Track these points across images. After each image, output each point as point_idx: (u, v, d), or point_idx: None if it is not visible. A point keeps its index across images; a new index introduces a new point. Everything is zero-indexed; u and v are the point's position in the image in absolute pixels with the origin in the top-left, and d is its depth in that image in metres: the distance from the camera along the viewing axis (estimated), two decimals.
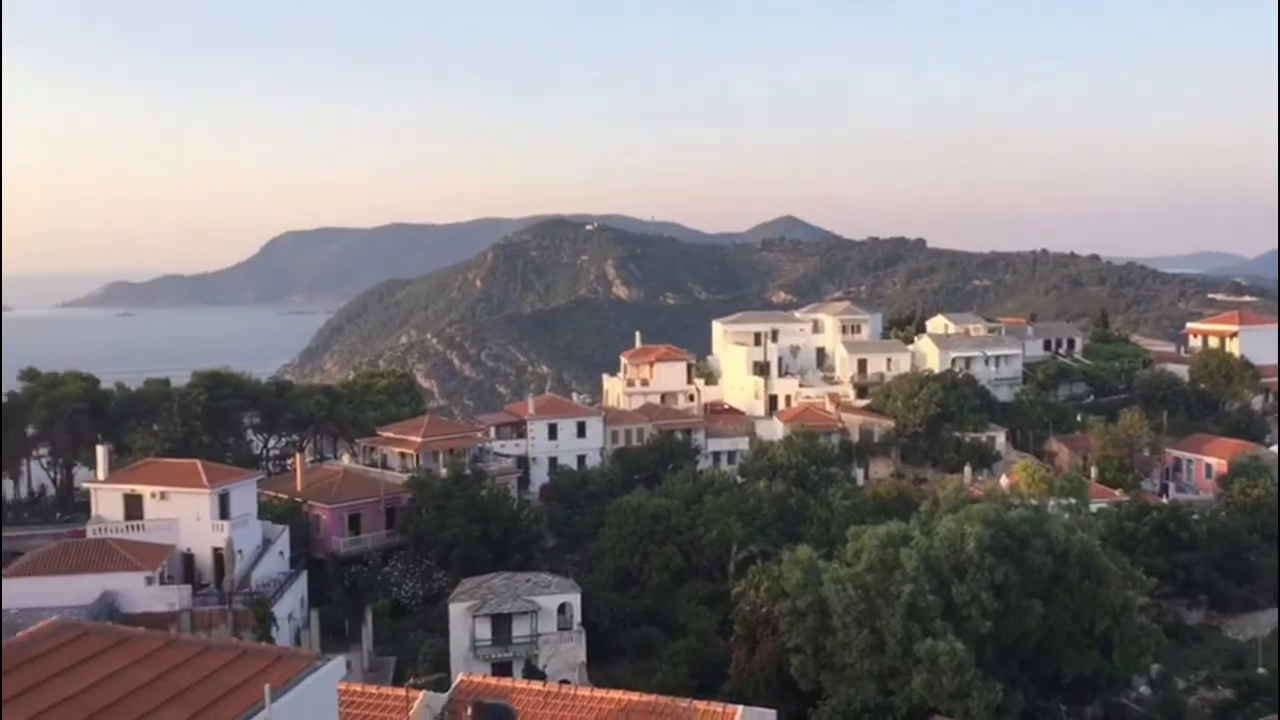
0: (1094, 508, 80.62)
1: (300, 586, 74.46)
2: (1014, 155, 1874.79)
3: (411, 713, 21.81)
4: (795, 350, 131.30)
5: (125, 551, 65.42)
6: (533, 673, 61.81)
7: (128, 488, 71.94)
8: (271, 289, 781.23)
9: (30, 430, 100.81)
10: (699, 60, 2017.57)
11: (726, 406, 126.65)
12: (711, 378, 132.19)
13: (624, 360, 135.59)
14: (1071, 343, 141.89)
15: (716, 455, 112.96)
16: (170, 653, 13.35)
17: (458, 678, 25.96)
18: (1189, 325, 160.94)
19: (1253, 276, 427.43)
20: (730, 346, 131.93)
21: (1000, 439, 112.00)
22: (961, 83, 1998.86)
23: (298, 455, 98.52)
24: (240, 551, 70.38)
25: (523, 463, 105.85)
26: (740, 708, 23.30)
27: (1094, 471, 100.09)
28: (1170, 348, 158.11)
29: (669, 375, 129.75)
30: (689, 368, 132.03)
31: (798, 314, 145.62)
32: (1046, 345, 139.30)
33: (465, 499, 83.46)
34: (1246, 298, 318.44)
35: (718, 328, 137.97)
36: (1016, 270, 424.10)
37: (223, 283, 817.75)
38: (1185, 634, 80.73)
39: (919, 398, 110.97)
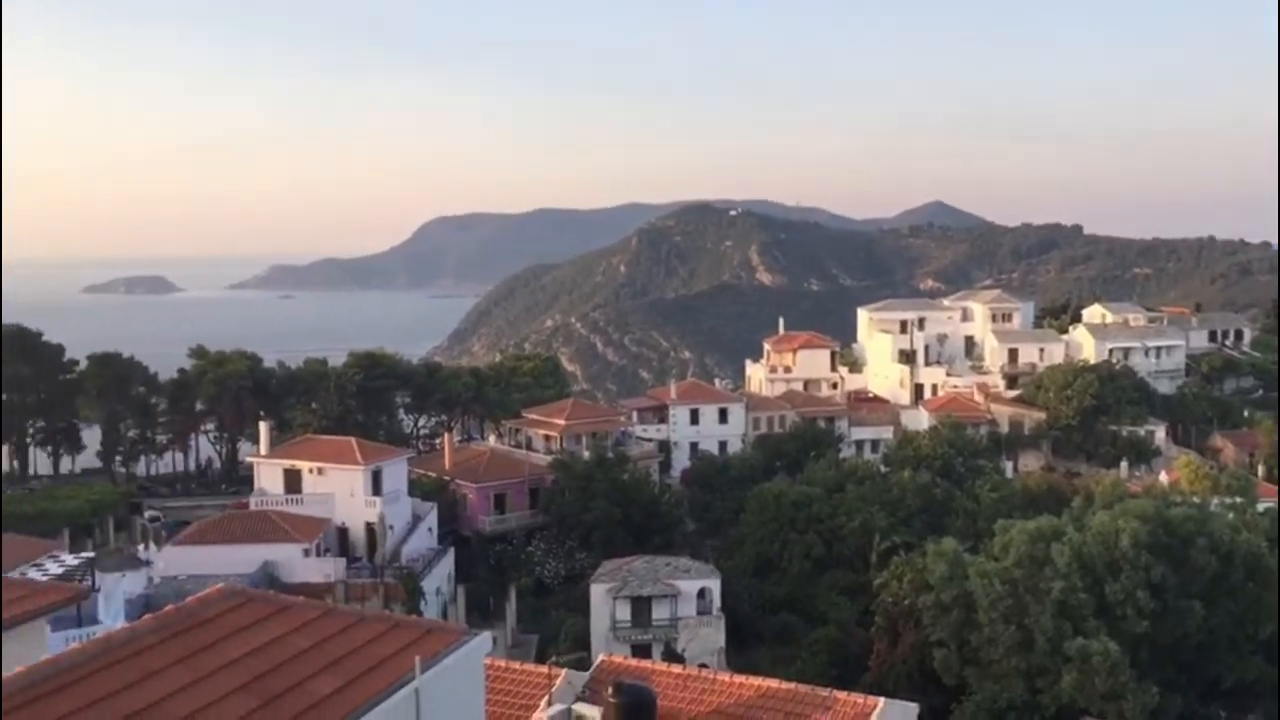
0: (1260, 508, 76.65)
1: (447, 562, 76.50)
2: (1183, 140, 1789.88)
3: (554, 690, 22.19)
4: (943, 338, 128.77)
5: (285, 524, 67.79)
6: (672, 656, 62.14)
7: (287, 462, 74.90)
8: (422, 273, 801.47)
9: (199, 405, 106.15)
10: (845, 44, 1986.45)
11: (870, 395, 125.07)
12: (855, 365, 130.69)
13: (767, 346, 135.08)
14: (1239, 334, 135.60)
15: (859, 444, 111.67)
16: (327, 622, 13.83)
17: (599, 657, 26.30)
18: None
19: None
20: (875, 334, 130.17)
21: (1160, 434, 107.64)
22: (1128, 67, 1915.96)
23: (446, 435, 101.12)
24: (391, 527, 72.69)
25: (664, 447, 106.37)
26: (881, 699, 22.95)
27: (1261, 470, 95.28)
28: None
29: (812, 362, 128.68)
30: (833, 355, 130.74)
31: (946, 301, 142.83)
32: (1212, 337, 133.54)
33: (607, 481, 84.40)
34: None
35: (863, 315, 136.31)
36: (1180, 258, 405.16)
37: (376, 266, 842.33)
38: None
39: (1073, 389, 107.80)
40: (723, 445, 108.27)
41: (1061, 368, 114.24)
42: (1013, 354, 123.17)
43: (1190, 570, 55.12)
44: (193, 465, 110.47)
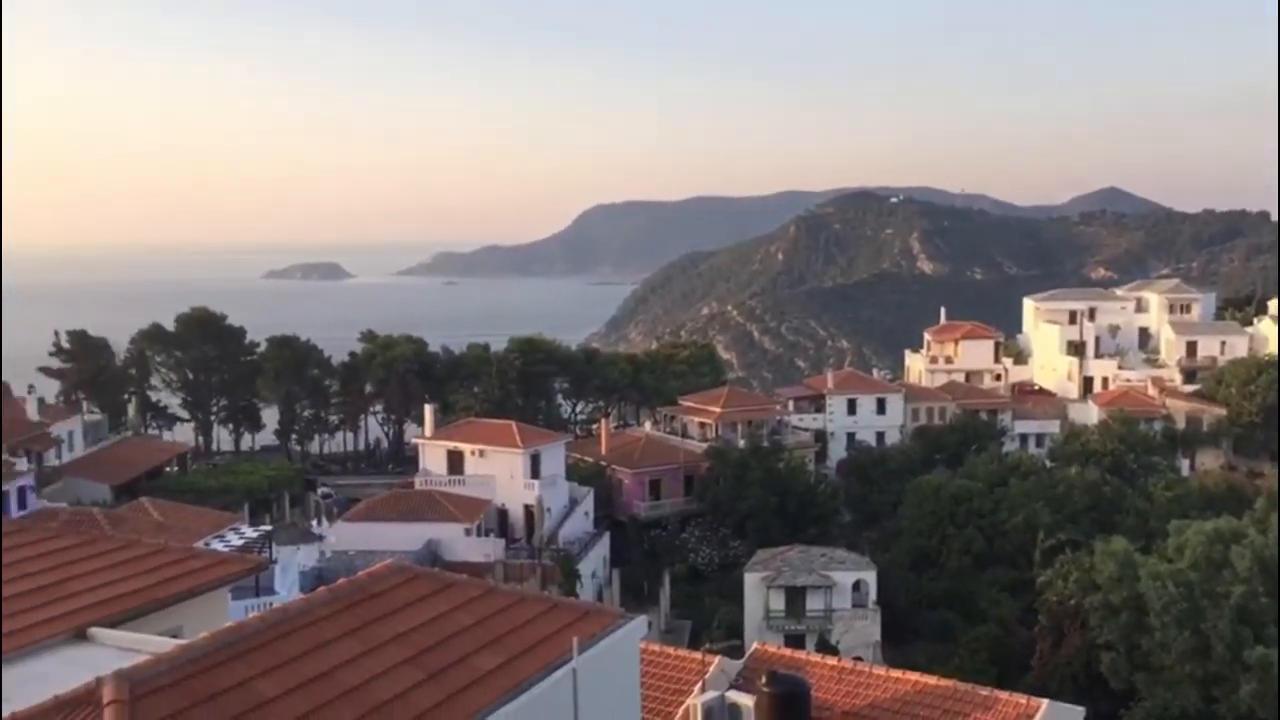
0: None
1: (603, 546, 77.58)
2: None
3: (707, 676, 22.29)
4: (1115, 330, 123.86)
5: (448, 504, 69.95)
6: (826, 647, 61.57)
7: (451, 444, 77.14)
8: (581, 260, 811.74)
9: (368, 387, 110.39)
10: (1013, 27, 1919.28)
11: (1036, 387, 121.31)
12: (1020, 357, 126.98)
13: (927, 336, 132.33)
14: None
15: (1024, 438, 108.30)
16: (489, 600, 14.24)
17: (752, 646, 26.24)
18: None
19: None
20: (1042, 325, 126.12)
21: None
22: None
23: (603, 420, 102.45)
24: (549, 509, 74.12)
25: (820, 437, 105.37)
26: (1045, 701, 22.25)
27: None
28: None
29: (975, 353, 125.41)
30: (996, 346, 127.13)
31: (1119, 291, 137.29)
32: None
33: (762, 470, 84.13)
34: None
35: (1029, 305, 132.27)
36: None
37: (537, 253, 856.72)
38: None
39: (1257, 384, 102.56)
40: (880, 436, 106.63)
41: (1245, 361, 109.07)
42: (1191, 347, 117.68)
43: None
44: (362, 445, 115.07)
